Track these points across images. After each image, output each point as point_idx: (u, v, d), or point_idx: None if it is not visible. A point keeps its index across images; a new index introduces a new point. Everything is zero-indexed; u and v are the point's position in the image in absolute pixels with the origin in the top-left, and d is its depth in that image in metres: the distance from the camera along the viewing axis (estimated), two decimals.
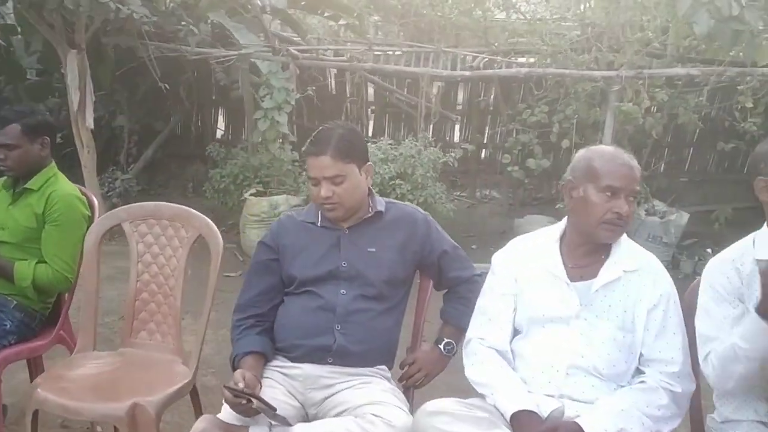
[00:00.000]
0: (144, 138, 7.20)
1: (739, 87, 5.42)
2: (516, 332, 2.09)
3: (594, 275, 2.00)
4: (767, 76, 4.84)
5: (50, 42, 5.41)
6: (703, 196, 6.66)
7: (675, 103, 5.46)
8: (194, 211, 2.66)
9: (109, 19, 5.10)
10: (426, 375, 2.27)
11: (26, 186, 2.75)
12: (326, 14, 6.47)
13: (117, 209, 2.75)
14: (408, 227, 2.28)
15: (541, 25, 5.78)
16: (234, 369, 2.15)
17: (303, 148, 2.29)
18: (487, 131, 6.75)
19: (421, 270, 2.34)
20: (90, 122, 5.46)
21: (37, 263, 2.69)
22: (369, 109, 6.80)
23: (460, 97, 6.70)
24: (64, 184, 2.81)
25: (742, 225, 6.04)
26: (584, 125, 5.68)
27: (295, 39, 6.18)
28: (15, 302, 2.70)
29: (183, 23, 5.12)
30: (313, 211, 2.31)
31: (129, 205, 2.76)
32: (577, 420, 1.82)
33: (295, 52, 5.31)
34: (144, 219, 2.69)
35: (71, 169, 7.07)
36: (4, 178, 2.87)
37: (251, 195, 5.43)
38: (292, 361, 2.18)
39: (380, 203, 2.30)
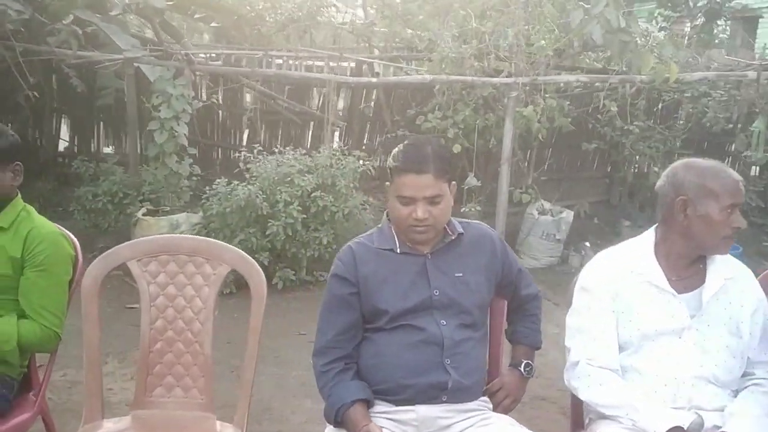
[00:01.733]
0: None
1: (600, 93, 5.92)
2: (621, 349, 2.06)
3: (697, 286, 2.04)
4: (645, 82, 5.31)
5: None
6: (564, 192, 7.16)
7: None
8: (220, 242, 2.31)
9: None
10: (513, 401, 2.18)
11: None
12: (196, 16, 6.01)
13: (120, 246, 2.30)
14: (487, 247, 2.16)
15: (427, 32, 5.85)
16: (336, 423, 1.91)
17: (395, 164, 2.04)
18: (366, 138, 6.69)
19: (498, 290, 2.23)
20: None
21: (18, 319, 2.17)
22: (245, 117, 6.43)
23: (340, 103, 6.58)
24: (42, 220, 2.29)
25: (596, 217, 6.36)
26: (469, 130, 5.84)
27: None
28: None
29: (62, 23, 4.44)
30: (388, 236, 2.11)
31: (135, 241, 2.32)
32: (724, 430, 1.85)
33: (192, 57, 4.84)
34: (154, 255, 2.29)
35: None
36: None
37: (143, 215, 4.88)
38: (398, 405, 1.97)
39: (458, 224, 2.16)
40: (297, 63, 5.94)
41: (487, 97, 5.70)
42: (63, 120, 6.86)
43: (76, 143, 6.91)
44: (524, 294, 2.25)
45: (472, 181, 5.45)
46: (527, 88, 5.29)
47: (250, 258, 2.27)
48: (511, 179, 5.72)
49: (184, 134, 4.72)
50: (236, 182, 4.67)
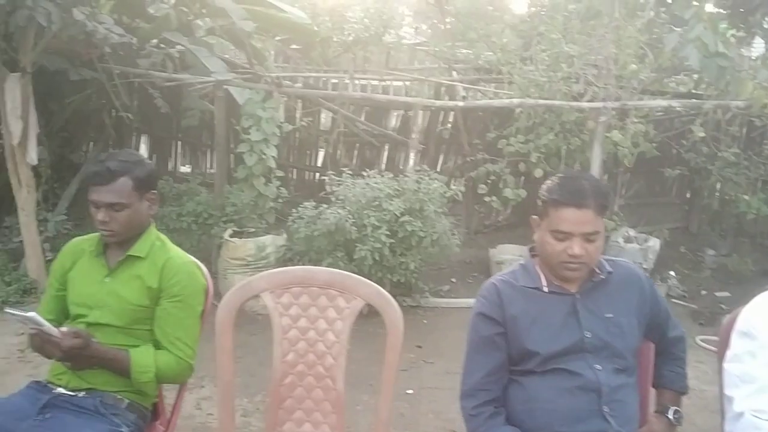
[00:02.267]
0: (59, 172, 6.29)
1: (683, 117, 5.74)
2: None
3: None
4: (741, 108, 5.14)
5: None
6: (641, 218, 6.97)
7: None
8: (356, 276, 2.26)
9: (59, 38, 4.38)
10: None
11: (131, 253, 2.19)
12: (278, 38, 6.05)
13: (255, 277, 2.26)
14: (636, 287, 2.06)
15: (510, 55, 5.76)
16: None
17: (551, 197, 1.96)
18: (440, 160, 6.63)
19: (647, 332, 2.12)
20: (33, 157, 4.65)
21: (160, 352, 2.15)
22: (321, 139, 6.43)
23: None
24: (176, 250, 2.28)
25: (676, 244, 5.99)
26: (551, 154, 5.73)
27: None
28: (127, 401, 2.13)
29: (160, 46, 4.50)
30: (533, 274, 2.03)
31: (269, 272, 2.28)
32: None
33: (281, 80, 4.86)
34: (287, 287, 2.24)
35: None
36: (88, 242, 2.29)
37: (230, 236, 4.88)
38: None
39: (605, 262, 2.06)
40: (378, 84, 5.92)
41: (572, 120, 5.58)
42: (142, 139, 6.97)
43: (154, 162, 7.00)
44: (671, 336, 2.15)
45: None
46: (614, 112, 5.16)
47: (386, 292, 2.21)
48: None
49: (273, 157, 4.71)
50: (324, 206, 4.64)
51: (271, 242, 4.82)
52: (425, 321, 4.75)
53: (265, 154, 4.70)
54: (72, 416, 2.03)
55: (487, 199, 5.66)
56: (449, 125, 6.46)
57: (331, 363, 2.22)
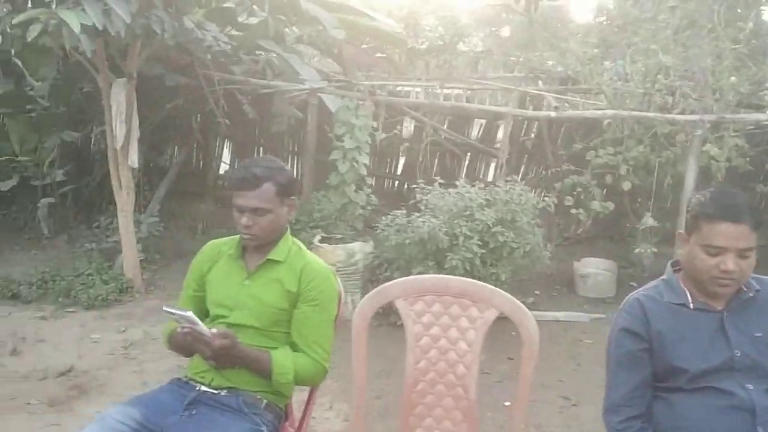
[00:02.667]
0: (149, 175, 6.49)
1: None
2: None
3: None
4: None
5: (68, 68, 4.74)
6: None
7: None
8: (490, 286, 2.26)
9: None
10: None
11: (271, 257, 2.24)
12: (364, 46, 6.11)
13: (388, 284, 2.29)
14: None
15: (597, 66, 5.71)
16: None
17: (705, 211, 1.92)
18: (522, 170, 6.58)
19: None
20: (135, 160, 4.81)
21: (297, 354, 2.19)
22: (402, 146, 6.47)
23: (499, 134, 6.52)
24: (312, 255, 2.32)
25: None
26: (639, 167, 5.63)
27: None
28: (266, 401, 2.18)
29: (259, 52, 4.61)
30: (677, 289, 2.00)
31: (403, 279, 2.31)
32: None
33: (374, 89, 4.91)
34: (421, 295, 2.26)
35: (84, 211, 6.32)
36: (227, 244, 2.35)
37: (319, 242, 4.94)
38: None
39: (753, 280, 2.01)
40: (462, 93, 5.93)
41: (665, 133, 5.47)
42: (226, 144, 7.13)
43: (236, 167, 7.16)
44: None
45: (648, 221, 5.23)
46: (709, 125, 5.04)
47: (520, 303, 2.20)
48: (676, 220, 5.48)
49: (365, 164, 4.76)
50: (415, 214, 4.66)
51: (360, 249, 4.86)
52: (513, 333, 4.70)
53: (357, 161, 4.74)
54: (217, 414, 2.08)
55: (573, 211, 5.60)
56: (533, 135, 6.41)
57: (463, 372, 2.23)
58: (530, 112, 5.42)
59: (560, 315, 5.14)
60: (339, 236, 5.10)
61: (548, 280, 5.98)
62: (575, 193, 5.71)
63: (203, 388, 2.17)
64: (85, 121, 5.78)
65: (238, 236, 2.36)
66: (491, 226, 4.54)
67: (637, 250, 5.31)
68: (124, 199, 4.88)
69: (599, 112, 5.11)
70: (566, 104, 5.94)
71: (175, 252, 5.89)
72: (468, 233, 4.52)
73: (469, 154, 6.50)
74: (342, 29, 5.19)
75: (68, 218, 6.24)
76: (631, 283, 6.01)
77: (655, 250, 5.30)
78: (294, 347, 2.21)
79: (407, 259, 4.66)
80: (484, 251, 4.54)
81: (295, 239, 2.35)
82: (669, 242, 5.44)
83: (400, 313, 2.26)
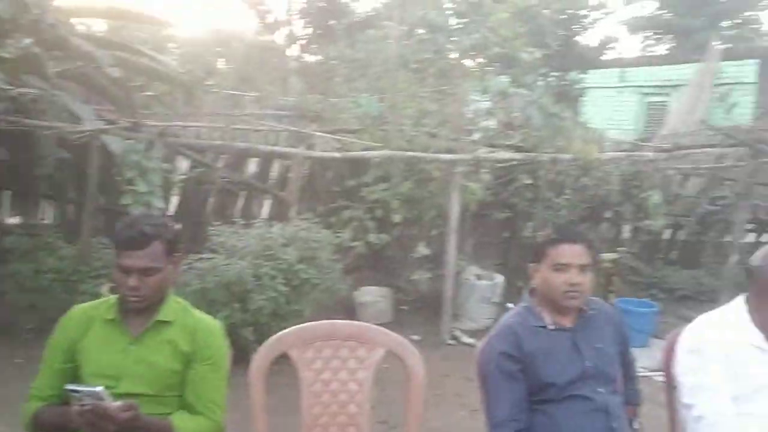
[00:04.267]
0: None
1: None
2: (736, 400, 2.44)
3: None
4: (571, 161, 6.01)
5: None
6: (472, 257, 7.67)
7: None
8: (375, 326, 2.42)
9: None
10: None
11: (160, 318, 2.16)
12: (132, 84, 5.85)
13: (284, 333, 2.32)
14: (612, 320, 2.50)
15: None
16: None
17: (549, 238, 2.35)
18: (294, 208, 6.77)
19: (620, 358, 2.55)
20: None
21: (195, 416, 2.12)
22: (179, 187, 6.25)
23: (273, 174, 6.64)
24: (201, 313, 2.28)
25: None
26: (405, 200, 6.19)
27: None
28: None
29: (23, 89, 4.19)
30: (537, 314, 2.37)
31: (298, 327, 2.36)
32: None
33: (165, 130, 4.73)
34: (312, 342, 2.35)
35: None
36: (97, 309, 2.20)
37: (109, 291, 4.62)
38: None
39: (590, 301, 2.47)
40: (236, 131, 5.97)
41: (424, 170, 6.08)
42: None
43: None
44: (629, 360, 2.60)
45: (423, 249, 5.78)
46: (471, 164, 5.76)
47: (406, 340, 2.40)
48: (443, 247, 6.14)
49: (160, 208, 4.58)
50: (215, 256, 4.61)
51: None
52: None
53: (150, 205, 4.54)
54: None
55: (353, 244, 5.94)
56: (305, 173, 6.65)
57: (355, 411, 2.36)
58: (318, 153, 5.66)
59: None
60: None
61: (330, 311, 6.24)
62: (351, 226, 6.06)
63: None
64: None
65: (110, 299, 2.23)
66: (294, 264, 4.67)
67: (413, 277, 5.82)
68: None
69: (378, 153, 5.52)
70: (337, 143, 6.29)
71: None
72: (272, 273, 4.59)
73: (244, 193, 6.52)
74: (117, 68, 4.93)
75: None
76: (402, 307, 6.56)
77: (429, 275, 5.86)
78: (189, 409, 2.14)
79: (210, 303, 4.58)
80: (287, 289, 4.64)
81: (177, 297, 2.28)
82: (439, 267, 6.05)
83: (294, 361, 2.32)
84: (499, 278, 6.36)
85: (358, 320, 6.05)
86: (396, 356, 2.38)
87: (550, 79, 5.86)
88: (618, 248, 7.17)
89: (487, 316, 6.24)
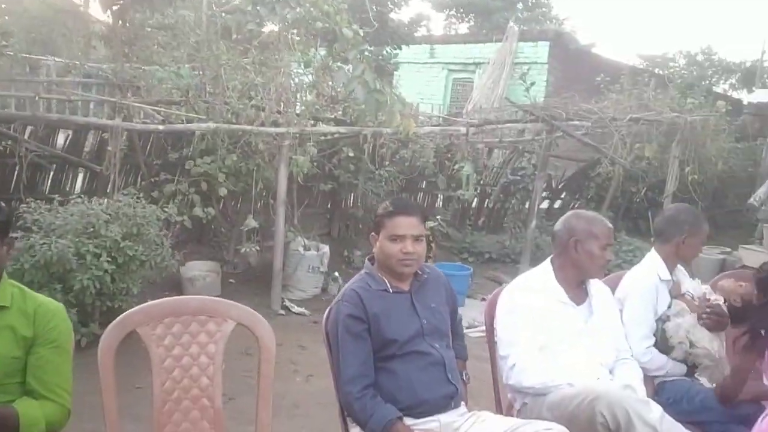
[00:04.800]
0: None
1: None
2: (544, 347, 2.81)
3: (584, 299, 2.91)
4: (391, 134, 6.30)
5: None
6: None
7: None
8: (226, 300, 2.48)
9: None
10: None
11: None
12: None
13: (131, 312, 2.30)
14: (443, 283, 2.77)
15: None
16: None
17: (386, 210, 2.55)
18: (119, 182, 6.45)
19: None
20: None
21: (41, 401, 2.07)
22: None
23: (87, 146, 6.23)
24: (40, 296, 2.20)
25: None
26: (231, 173, 6.17)
27: None
28: None
29: None
30: (378, 279, 2.57)
31: (146, 305, 2.34)
32: None
33: None
34: (161, 319, 2.36)
35: None
36: None
37: None
38: (419, 417, 2.44)
39: (425, 266, 2.72)
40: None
41: (249, 142, 6.07)
42: None
43: None
44: (458, 318, 2.89)
45: (251, 222, 5.80)
46: (296, 137, 5.85)
47: (256, 312, 2.48)
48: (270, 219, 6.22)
49: None
50: (33, 236, 4.32)
51: None
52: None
53: None
54: None
55: (179, 218, 5.81)
56: (125, 146, 6.35)
57: (207, 383, 2.41)
58: (140, 126, 5.43)
59: None
60: None
61: (156, 287, 6.07)
62: (176, 201, 5.93)
63: None
64: None
65: None
66: (119, 241, 4.50)
67: (243, 250, 5.82)
68: None
69: (203, 125, 5.43)
70: (158, 115, 6.08)
71: None
72: (95, 251, 4.40)
73: (54, 166, 6.10)
74: None
75: None
76: (230, 281, 6.54)
77: (257, 248, 5.90)
78: (33, 395, 2.08)
79: (26, 285, 4.28)
80: (113, 267, 4.48)
81: (10, 281, 2.18)
82: (267, 240, 6.11)
83: (143, 339, 2.31)
84: (325, 248, 6.56)
85: (186, 295, 6.00)
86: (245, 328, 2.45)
87: (366, 53, 6.04)
88: (434, 217, 7.67)
89: (314, 285, 6.42)
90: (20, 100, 5.60)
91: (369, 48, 6.09)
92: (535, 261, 7.85)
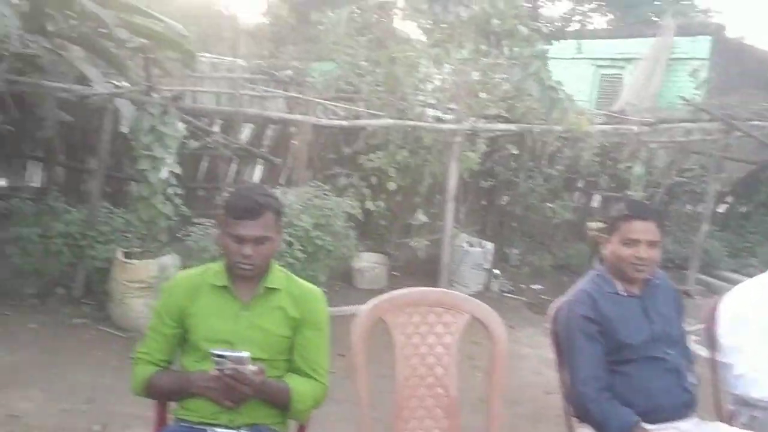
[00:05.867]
0: None
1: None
2: None
3: None
4: (562, 132, 6.22)
5: None
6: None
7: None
8: (461, 294, 2.55)
9: None
10: None
11: (269, 285, 2.23)
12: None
13: (380, 299, 2.43)
14: (671, 288, 2.70)
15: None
16: None
17: (623, 213, 2.52)
18: (284, 174, 6.79)
19: None
20: None
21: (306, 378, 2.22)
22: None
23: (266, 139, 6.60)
24: (302, 280, 2.36)
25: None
26: (402, 169, 6.31)
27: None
28: None
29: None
30: (609, 282, 2.55)
31: (390, 294, 2.47)
32: None
33: (179, 95, 4.67)
34: (403, 308, 2.46)
35: None
36: (203, 276, 2.25)
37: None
38: (654, 423, 2.40)
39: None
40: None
41: (418, 138, 6.18)
42: None
43: None
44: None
45: (421, 217, 5.92)
46: (469, 133, 5.90)
47: (488, 307, 2.54)
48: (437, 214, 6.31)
49: (175, 173, 4.57)
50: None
51: (171, 262, 4.65)
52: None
53: (167, 171, 4.52)
54: None
55: (352, 210, 6.02)
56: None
57: (442, 373, 2.49)
58: (326, 121, 5.68)
59: (354, 309, 5.53)
60: (139, 250, 4.78)
61: (330, 277, 6.34)
62: (348, 193, 6.15)
63: (219, 430, 2.09)
64: None
65: (214, 266, 2.29)
66: (310, 230, 4.74)
67: (412, 243, 5.96)
68: None
69: (384, 122, 5.59)
70: (339, 111, 6.33)
71: None
72: (288, 239, 4.65)
73: (237, 158, 6.49)
74: (125, 29, 4.83)
75: None
76: (394, 273, 6.70)
77: (427, 242, 6.01)
78: (298, 372, 2.24)
79: None
80: (305, 256, 4.72)
81: (278, 265, 2.35)
82: (432, 234, 6.21)
83: (389, 326, 2.43)
84: (489, 245, 6.58)
85: (354, 285, 6.22)
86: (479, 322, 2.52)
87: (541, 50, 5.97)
88: (593, 217, 7.50)
89: (477, 281, 6.46)
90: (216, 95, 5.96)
91: (543, 46, 5.97)
92: (705, 268, 7.66)
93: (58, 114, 5.05)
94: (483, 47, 6.28)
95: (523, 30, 5.85)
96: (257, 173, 6.74)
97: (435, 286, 6.15)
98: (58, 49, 4.93)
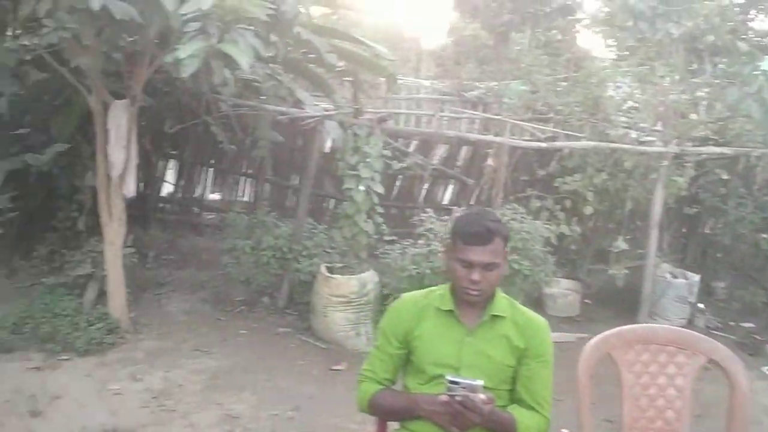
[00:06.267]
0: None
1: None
2: None
3: None
4: None
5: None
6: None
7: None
8: (696, 333, 2.37)
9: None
10: None
11: (495, 313, 2.20)
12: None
13: (607, 333, 2.32)
14: None
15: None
16: None
17: None
18: (475, 194, 6.78)
19: None
20: (131, 189, 4.38)
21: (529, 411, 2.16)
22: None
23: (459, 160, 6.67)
24: (527, 310, 2.30)
25: None
26: (598, 192, 6.03)
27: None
28: None
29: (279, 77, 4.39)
30: None
31: (618, 329, 2.35)
32: None
33: (384, 117, 4.84)
34: (632, 345, 2.32)
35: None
36: (428, 299, 2.27)
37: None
38: None
39: None
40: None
41: (618, 160, 5.89)
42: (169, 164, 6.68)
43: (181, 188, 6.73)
44: None
45: (621, 244, 5.63)
46: (675, 157, 5.54)
47: (728, 349, 2.33)
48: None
49: (378, 193, 4.71)
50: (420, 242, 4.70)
51: (371, 279, 4.78)
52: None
53: (371, 190, 4.67)
54: None
55: (549, 234, 5.86)
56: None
57: (672, 417, 2.31)
58: (524, 142, 5.62)
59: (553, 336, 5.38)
60: (340, 266, 4.97)
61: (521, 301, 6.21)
62: (542, 217, 5.99)
63: None
64: (45, 142, 5.12)
65: (438, 289, 2.30)
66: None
67: (611, 272, 5.69)
68: (114, 231, 4.43)
69: (583, 144, 5.41)
70: (538, 133, 6.21)
71: (145, 285, 5.43)
72: None
73: (429, 179, 6.60)
74: (335, 54, 5.06)
75: (6, 249, 5.52)
76: (585, 301, 6.43)
77: (626, 271, 5.71)
78: (520, 404, 2.18)
79: (419, 288, 4.66)
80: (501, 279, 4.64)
81: (501, 293, 2.32)
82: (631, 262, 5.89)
83: (617, 361, 2.30)
84: (695, 277, 6.11)
85: (545, 312, 6.05)
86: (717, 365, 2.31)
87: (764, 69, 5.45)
88: None
89: (680, 315, 6.01)
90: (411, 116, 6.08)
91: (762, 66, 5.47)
92: None
93: (272, 135, 5.43)
94: (693, 65, 5.92)
95: (743, 46, 5.42)
96: (448, 193, 6.79)
97: (633, 318, 5.86)
98: (274, 74, 5.31)
